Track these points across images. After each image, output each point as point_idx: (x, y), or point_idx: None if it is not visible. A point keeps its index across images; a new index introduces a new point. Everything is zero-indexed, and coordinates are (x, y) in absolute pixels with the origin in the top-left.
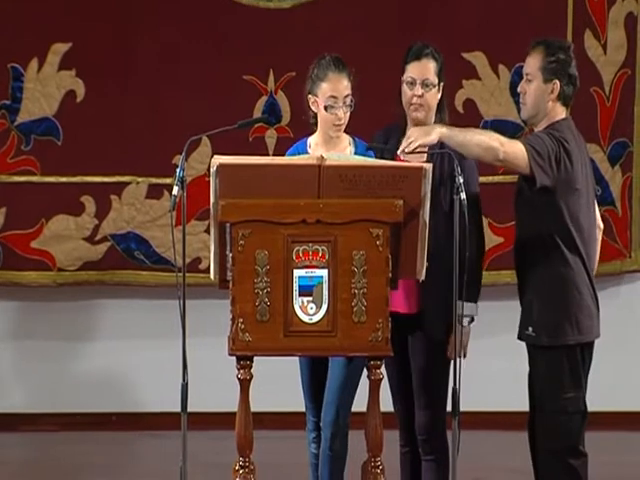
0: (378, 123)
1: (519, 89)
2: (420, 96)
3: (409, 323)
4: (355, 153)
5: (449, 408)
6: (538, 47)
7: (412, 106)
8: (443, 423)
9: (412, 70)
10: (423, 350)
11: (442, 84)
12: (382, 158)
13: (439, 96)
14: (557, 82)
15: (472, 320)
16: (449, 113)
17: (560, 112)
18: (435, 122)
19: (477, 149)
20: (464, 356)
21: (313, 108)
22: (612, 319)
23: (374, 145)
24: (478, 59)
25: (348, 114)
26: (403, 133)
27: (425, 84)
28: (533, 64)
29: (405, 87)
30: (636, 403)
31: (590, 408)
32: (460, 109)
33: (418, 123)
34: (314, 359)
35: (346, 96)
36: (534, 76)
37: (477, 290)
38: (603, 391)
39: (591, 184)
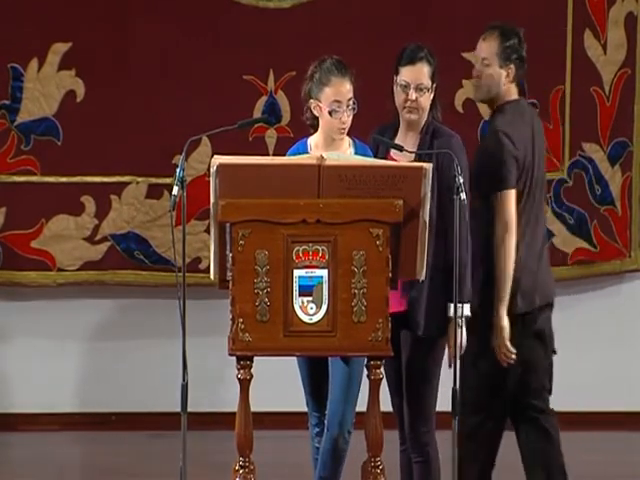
0: (378, 123)
1: (474, 72)
2: (414, 100)
3: (399, 321)
4: (355, 154)
5: (444, 408)
6: (493, 32)
7: (405, 108)
8: (432, 423)
9: (406, 74)
10: (412, 348)
11: (435, 85)
12: (375, 154)
13: (432, 96)
14: (512, 66)
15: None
16: (443, 111)
17: (513, 93)
18: (428, 120)
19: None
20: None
21: (315, 112)
22: (612, 318)
23: (377, 137)
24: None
25: (351, 117)
26: (396, 132)
27: (419, 88)
28: (489, 49)
29: (398, 89)
30: (636, 402)
31: (590, 408)
32: (460, 109)
33: (411, 124)
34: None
35: (349, 99)
36: (491, 61)
37: (468, 289)
38: (603, 390)
39: (542, 152)
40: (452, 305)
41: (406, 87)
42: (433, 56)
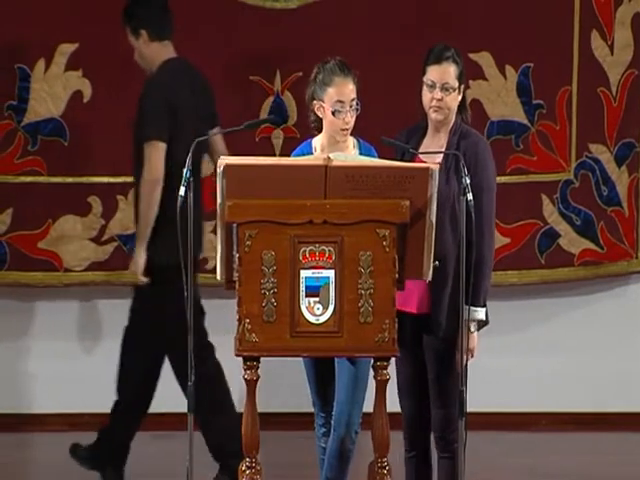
0: (385, 124)
1: (438, 100)
2: (440, 99)
3: (422, 323)
4: (359, 154)
5: None
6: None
7: (432, 108)
8: (458, 422)
9: (432, 73)
10: (437, 351)
11: (463, 86)
12: (402, 156)
13: (460, 98)
14: (143, 32)
15: (485, 324)
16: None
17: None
18: (456, 122)
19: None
20: (471, 356)
21: (319, 113)
22: (619, 319)
23: (396, 143)
24: (484, 59)
25: (354, 117)
26: (424, 133)
27: (445, 88)
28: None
29: (425, 89)
30: None
31: (595, 408)
32: None
33: (438, 124)
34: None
35: (352, 99)
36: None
37: (484, 293)
38: (610, 390)
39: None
40: (469, 307)
41: (432, 86)
42: (460, 57)
